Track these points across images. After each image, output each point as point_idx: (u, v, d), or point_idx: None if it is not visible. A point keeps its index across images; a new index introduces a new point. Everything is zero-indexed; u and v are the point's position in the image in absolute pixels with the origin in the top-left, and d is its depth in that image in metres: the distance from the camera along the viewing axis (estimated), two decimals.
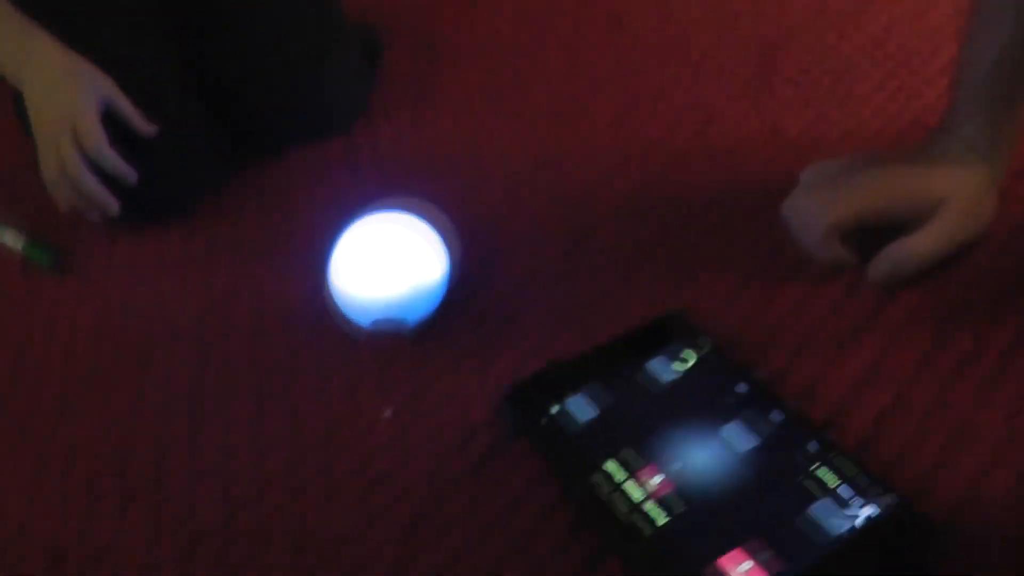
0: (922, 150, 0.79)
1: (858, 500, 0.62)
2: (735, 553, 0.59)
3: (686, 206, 0.90)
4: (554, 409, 0.69)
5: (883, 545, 0.59)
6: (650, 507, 0.62)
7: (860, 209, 0.77)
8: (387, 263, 0.77)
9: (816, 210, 0.79)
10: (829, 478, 0.63)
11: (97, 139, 0.91)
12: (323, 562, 0.65)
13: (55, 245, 0.96)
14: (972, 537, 0.61)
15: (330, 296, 0.80)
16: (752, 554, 0.59)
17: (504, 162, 1.00)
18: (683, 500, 0.62)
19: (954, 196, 0.76)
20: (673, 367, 0.72)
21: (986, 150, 0.77)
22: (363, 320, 0.79)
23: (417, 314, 0.79)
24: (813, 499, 0.62)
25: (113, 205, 0.92)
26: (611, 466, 0.65)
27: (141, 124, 0.93)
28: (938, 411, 0.69)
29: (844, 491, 0.62)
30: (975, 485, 0.64)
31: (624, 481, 0.64)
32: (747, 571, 0.58)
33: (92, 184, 0.91)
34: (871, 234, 0.78)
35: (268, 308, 0.86)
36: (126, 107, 0.93)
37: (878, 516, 0.60)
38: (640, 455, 0.65)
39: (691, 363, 0.72)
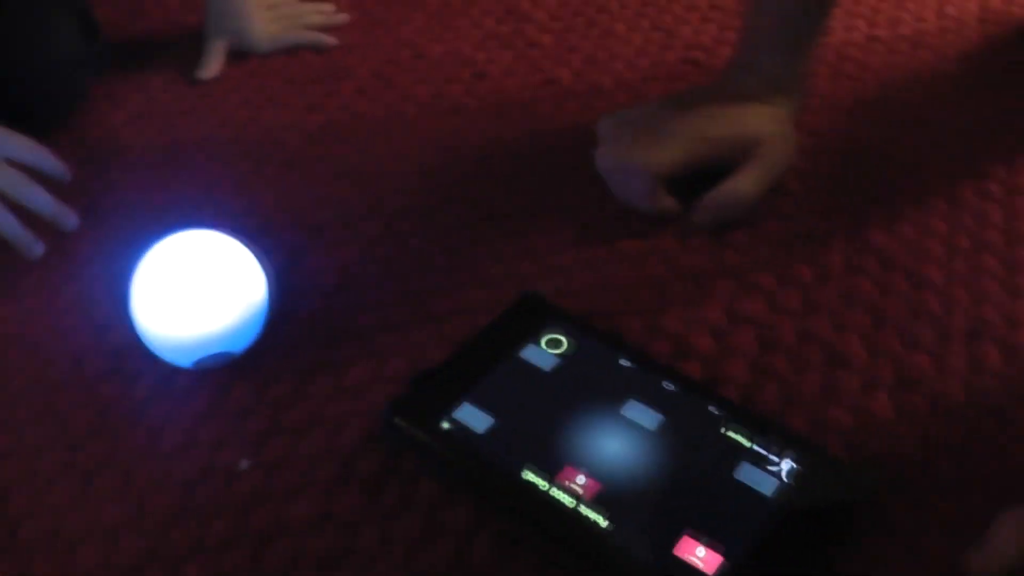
0: (722, 89, 0.80)
1: (774, 453, 0.61)
2: (685, 539, 0.57)
3: (484, 172, 0.87)
4: (445, 424, 0.63)
5: (814, 494, 0.59)
6: (585, 511, 0.59)
7: (683, 156, 0.77)
8: (197, 290, 0.67)
9: (637, 161, 0.77)
10: (740, 438, 0.63)
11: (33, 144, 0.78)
12: None
13: None
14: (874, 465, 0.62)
15: (132, 335, 0.69)
16: (699, 536, 0.57)
17: (274, 147, 0.91)
18: (614, 496, 0.59)
19: (768, 134, 0.77)
20: (548, 352, 0.68)
21: (787, 85, 0.79)
22: (182, 361, 0.69)
23: (244, 342, 0.70)
24: (734, 464, 0.61)
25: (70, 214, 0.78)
26: (529, 475, 0.61)
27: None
28: (803, 345, 0.70)
29: (759, 447, 0.62)
30: (862, 412, 0.66)
31: (548, 489, 0.60)
32: (704, 556, 0.56)
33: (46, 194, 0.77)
34: (683, 181, 0.79)
35: (56, 365, 0.74)
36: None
37: (799, 467, 0.61)
38: (553, 457, 0.62)
39: (564, 345, 0.69)
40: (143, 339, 0.69)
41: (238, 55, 1.03)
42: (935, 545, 0.58)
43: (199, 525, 0.62)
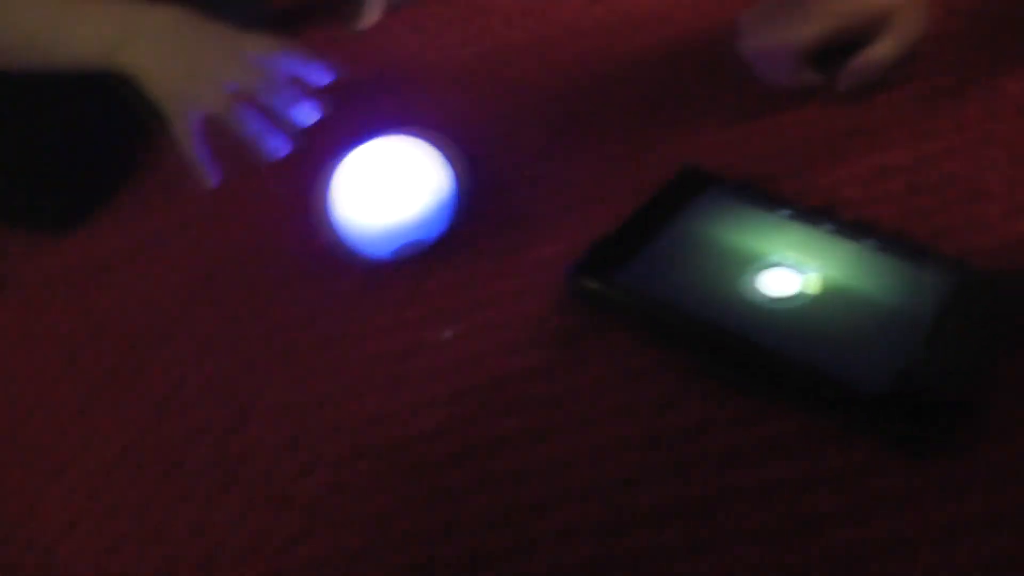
0: None
1: (932, 276, 0.67)
2: (855, 350, 0.63)
3: (643, 73, 0.94)
4: (625, 277, 0.71)
5: (972, 307, 0.65)
6: (762, 338, 0.65)
7: (822, 31, 0.82)
8: (395, 185, 0.76)
9: (780, 41, 0.83)
10: (899, 265, 0.68)
11: (274, 38, 0.81)
12: (468, 487, 0.64)
13: None
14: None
15: (336, 233, 0.78)
16: (870, 349, 0.63)
17: (437, 75, 1.00)
18: (787, 324, 0.66)
19: (899, 4, 0.82)
20: (712, 211, 0.75)
21: None
22: (383, 250, 0.78)
23: (437, 230, 0.79)
24: (895, 286, 0.67)
25: (313, 104, 0.82)
26: (706, 311, 0.67)
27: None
28: (947, 185, 0.75)
29: (916, 273, 0.67)
30: (1006, 236, 0.70)
31: (726, 320, 0.67)
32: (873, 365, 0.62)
33: (290, 89, 0.81)
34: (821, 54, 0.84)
35: (273, 264, 0.84)
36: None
37: (954, 285, 0.66)
38: (726, 295, 0.68)
39: (725, 204, 0.75)
40: (345, 234, 0.78)
41: (392, 7, 1.12)
42: None
43: (416, 388, 0.71)
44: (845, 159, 0.79)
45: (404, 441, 0.68)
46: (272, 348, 0.76)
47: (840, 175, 0.78)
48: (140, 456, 0.71)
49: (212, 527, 0.65)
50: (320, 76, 0.83)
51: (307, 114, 0.81)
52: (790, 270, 0.69)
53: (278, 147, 0.82)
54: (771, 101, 0.86)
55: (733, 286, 0.68)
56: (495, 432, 0.66)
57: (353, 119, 0.93)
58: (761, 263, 0.70)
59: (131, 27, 0.83)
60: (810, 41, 0.82)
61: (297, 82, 0.82)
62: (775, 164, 0.80)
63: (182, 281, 0.84)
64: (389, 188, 0.76)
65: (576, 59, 0.98)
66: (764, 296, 0.67)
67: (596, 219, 0.79)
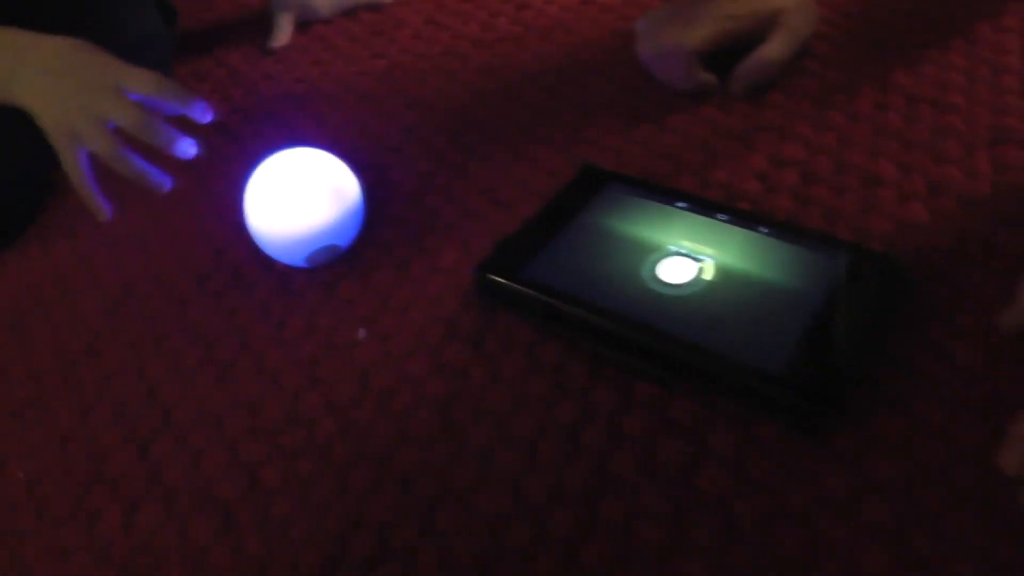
0: None
1: (825, 258, 0.69)
2: (756, 333, 0.65)
3: (545, 81, 0.96)
4: (530, 273, 0.72)
5: (864, 285, 0.67)
6: (665, 324, 0.67)
7: (713, 33, 0.85)
8: (304, 193, 0.77)
9: (674, 44, 0.86)
10: (793, 249, 0.70)
11: (156, 76, 0.79)
12: (374, 484, 0.65)
13: None
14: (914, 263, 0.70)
15: (251, 241, 0.79)
16: (770, 329, 0.65)
17: (348, 90, 1.01)
18: (690, 307, 0.67)
19: (789, 5, 0.85)
20: (612, 206, 0.77)
21: None
22: (296, 257, 0.79)
23: (347, 237, 0.80)
24: (788, 267, 0.69)
25: (190, 142, 0.80)
26: (610, 302, 0.69)
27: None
28: (841, 174, 0.78)
29: (809, 255, 0.69)
30: (899, 219, 0.73)
31: (628, 309, 0.68)
32: (772, 343, 0.64)
33: (167, 127, 0.79)
34: (717, 57, 0.87)
35: (192, 274, 0.84)
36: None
37: (848, 264, 0.68)
38: (629, 284, 0.70)
39: (626, 199, 0.77)
40: (260, 242, 0.79)
41: (302, 25, 1.14)
42: (972, 319, 0.65)
43: (329, 390, 0.71)
44: (741, 155, 0.81)
45: (320, 442, 0.68)
46: (192, 356, 0.77)
47: (737, 170, 0.80)
48: (66, 462, 0.71)
49: (135, 529, 0.66)
50: (201, 113, 0.82)
51: (187, 151, 0.80)
52: (687, 258, 0.70)
53: (161, 184, 0.81)
54: (669, 103, 0.88)
55: (633, 276, 0.70)
56: (410, 430, 0.67)
57: (266, 133, 0.95)
58: (659, 253, 0.71)
59: (22, 59, 0.82)
60: (701, 44, 0.85)
61: (178, 119, 0.81)
62: (673, 162, 0.82)
63: (106, 295, 0.84)
64: (299, 197, 0.77)
65: (482, 69, 1.00)
66: (663, 284, 0.69)
67: (502, 222, 0.80)
